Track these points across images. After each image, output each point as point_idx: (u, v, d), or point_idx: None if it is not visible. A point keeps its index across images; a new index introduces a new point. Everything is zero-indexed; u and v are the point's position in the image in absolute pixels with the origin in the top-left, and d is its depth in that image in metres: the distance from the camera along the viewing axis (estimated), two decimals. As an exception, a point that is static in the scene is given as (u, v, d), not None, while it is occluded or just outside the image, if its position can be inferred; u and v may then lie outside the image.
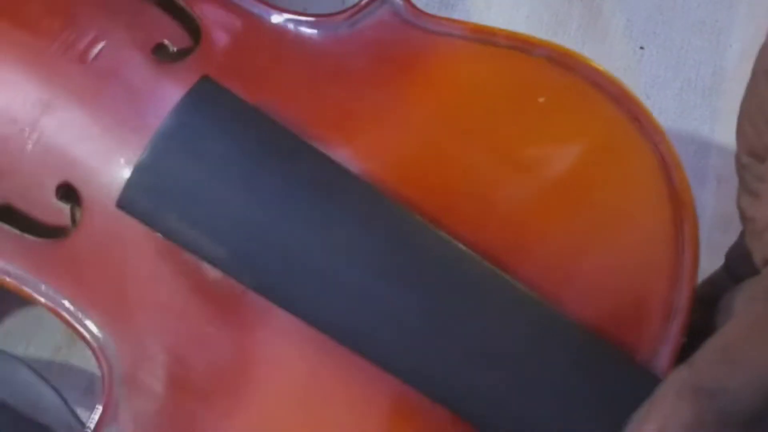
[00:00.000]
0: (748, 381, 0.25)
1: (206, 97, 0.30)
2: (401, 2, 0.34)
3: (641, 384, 0.28)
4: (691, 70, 0.45)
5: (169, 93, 0.32)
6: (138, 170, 0.29)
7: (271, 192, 0.29)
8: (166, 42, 0.34)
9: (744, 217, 0.29)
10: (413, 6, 0.34)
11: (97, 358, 0.31)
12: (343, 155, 0.31)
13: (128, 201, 0.30)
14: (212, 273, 0.30)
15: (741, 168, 0.29)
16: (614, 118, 0.31)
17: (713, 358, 0.26)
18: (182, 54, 0.34)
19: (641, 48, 0.45)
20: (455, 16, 0.46)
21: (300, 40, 0.34)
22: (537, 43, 0.32)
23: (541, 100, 0.31)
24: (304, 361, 0.30)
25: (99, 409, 0.31)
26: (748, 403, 0.25)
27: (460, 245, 0.30)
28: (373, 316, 0.29)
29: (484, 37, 0.33)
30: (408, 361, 0.29)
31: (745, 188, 0.29)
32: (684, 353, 0.29)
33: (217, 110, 0.30)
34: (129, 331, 0.31)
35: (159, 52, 0.34)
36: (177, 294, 0.31)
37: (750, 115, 0.28)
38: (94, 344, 0.31)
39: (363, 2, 0.34)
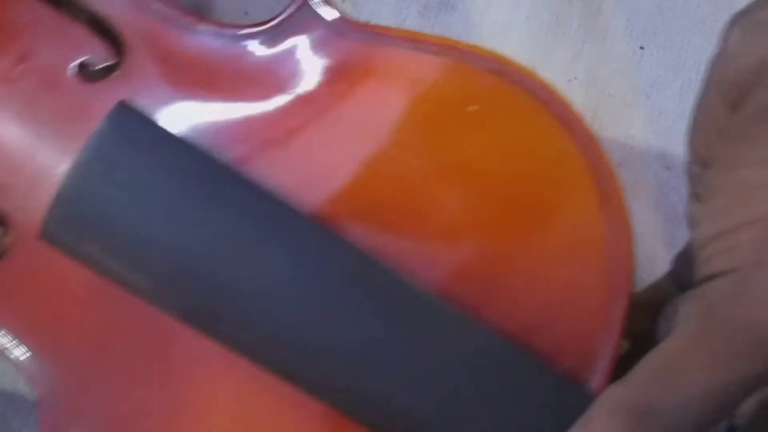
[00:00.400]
0: (679, 403, 0.25)
1: (123, 123, 0.29)
2: (328, 17, 0.33)
3: (575, 402, 0.27)
4: (691, 70, 0.45)
5: (95, 113, 0.30)
6: (57, 203, 0.28)
7: (193, 219, 0.28)
8: (89, 60, 0.33)
9: (692, 228, 0.28)
10: (343, 17, 0.33)
11: (30, 384, 0.30)
12: (270, 178, 0.30)
13: (49, 233, 0.29)
14: (141, 302, 0.29)
15: (692, 178, 0.29)
16: (545, 126, 0.31)
17: (647, 378, 0.26)
18: (107, 71, 0.33)
19: (641, 48, 0.45)
20: (455, 16, 0.46)
21: (228, 54, 0.33)
22: (469, 50, 0.32)
23: (471, 108, 0.31)
24: (236, 388, 0.30)
25: None
26: (679, 425, 0.25)
27: (389, 269, 0.29)
28: (298, 344, 0.28)
29: (417, 45, 0.32)
30: (340, 388, 0.28)
31: (696, 198, 0.28)
32: (628, 359, 0.29)
33: (134, 137, 0.29)
34: (61, 358, 0.30)
35: (84, 71, 0.33)
36: (107, 323, 0.30)
37: (700, 126, 0.28)
38: (27, 370, 0.30)
39: (287, 14, 0.33)
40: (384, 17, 0.46)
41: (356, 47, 0.32)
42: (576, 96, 0.45)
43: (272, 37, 0.33)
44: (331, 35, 0.32)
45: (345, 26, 0.32)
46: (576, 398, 0.28)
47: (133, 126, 0.29)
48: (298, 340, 0.28)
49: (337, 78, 0.32)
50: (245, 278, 0.28)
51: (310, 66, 0.32)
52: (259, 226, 0.29)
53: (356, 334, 0.28)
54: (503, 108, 0.31)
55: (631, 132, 0.45)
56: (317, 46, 0.32)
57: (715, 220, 0.25)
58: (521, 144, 0.31)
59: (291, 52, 0.32)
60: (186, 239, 0.28)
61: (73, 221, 0.28)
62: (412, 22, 0.46)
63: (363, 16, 0.46)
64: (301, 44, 0.32)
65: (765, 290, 0.24)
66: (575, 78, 0.45)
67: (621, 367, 0.28)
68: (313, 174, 0.31)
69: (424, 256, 0.29)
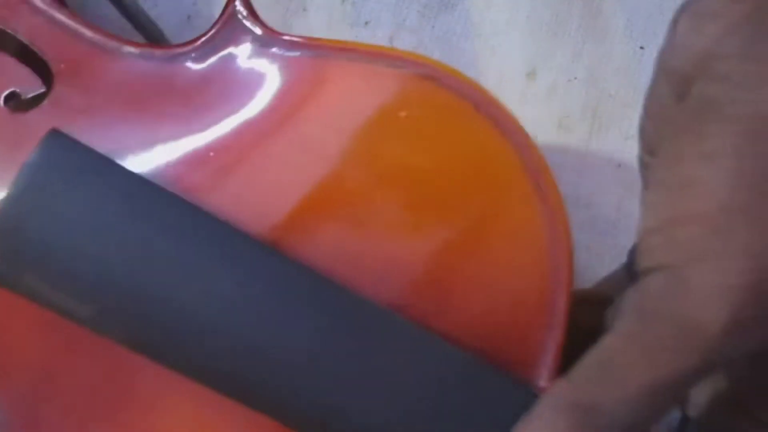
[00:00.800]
0: (620, 399, 0.25)
1: (55, 151, 0.28)
2: (258, 32, 0.32)
3: (521, 400, 0.27)
4: (691, 70, 0.45)
5: (26, 143, 0.29)
6: None
7: (131, 246, 0.28)
8: (17, 90, 0.32)
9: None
10: (272, 30, 0.32)
11: None
12: (210, 200, 0.30)
13: None
14: (87, 331, 0.29)
15: (643, 167, 0.28)
16: (476, 127, 0.31)
17: (588, 374, 0.26)
18: (36, 100, 0.32)
19: (641, 48, 0.45)
20: (455, 16, 0.46)
21: (160, 74, 0.32)
22: (397, 56, 0.32)
23: (403, 114, 0.31)
24: (189, 411, 0.29)
25: None
26: (622, 420, 0.25)
27: (334, 284, 0.29)
28: (248, 364, 0.28)
29: (349, 55, 0.32)
30: (288, 404, 0.28)
31: (645, 187, 0.28)
32: (580, 353, 0.29)
33: (67, 164, 0.28)
34: (7, 388, 0.30)
35: (12, 101, 0.32)
36: (53, 353, 0.30)
37: (650, 113, 0.27)
38: None
39: (216, 29, 0.32)
40: (384, 17, 0.46)
41: (288, 60, 0.32)
42: (576, 96, 0.45)
43: (203, 54, 0.32)
44: (262, 49, 0.32)
45: (275, 39, 0.32)
46: (522, 396, 0.28)
47: (65, 153, 0.29)
48: (248, 360, 0.28)
49: (271, 93, 0.32)
50: (189, 300, 0.28)
51: (242, 82, 0.32)
52: (201, 248, 0.28)
53: (303, 349, 0.28)
54: (435, 111, 0.31)
55: (631, 132, 0.45)
56: (248, 61, 0.32)
57: (655, 212, 0.25)
58: (455, 146, 0.31)
59: (223, 68, 0.32)
60: (126, 265, 0.28)
61: (9, 254, 0.28)
62: (412, 22, 0.46)
63: (363, 16, 0.46)
64: (232, 60, 0.32)
65: (698, 287, 0.23)
66: (575, 78, 0.45)
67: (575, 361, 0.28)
68: (254, 193, 0.31)
69: (369, 268, 0.30)
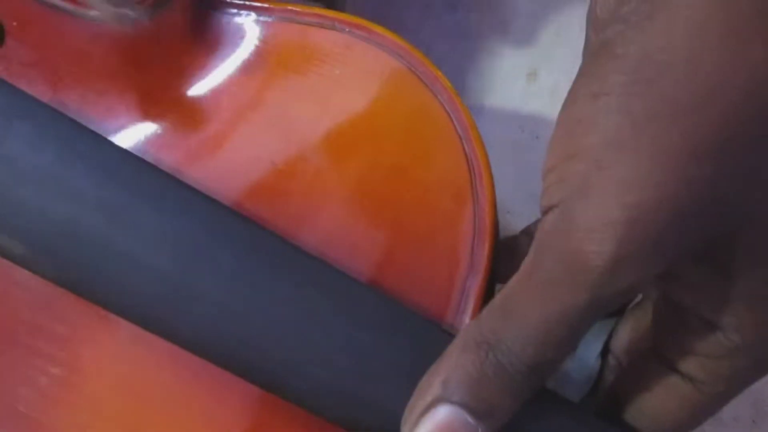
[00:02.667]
0: (520, 335, 0.26)
1: None
2: None
3: (441, 342, 0.28)
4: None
5: None
6: None
7: (63, 189, 0.29)
8: None
9: None
10: None
11: None
12: (147, 147, 0.32)
13: None
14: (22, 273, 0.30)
15: None
16: (408, 84, 0.32)
17: (492, 312, 0.27)
18: None
19: (643, 48, 0.45)
20: (457, 15, 0.46)
21: (107, 31, 0.34)
22: (336, 17, 0.33)
23: (336, 71, 0.33)
24: (119, 348, 0.31)
25: None
26: (522, 355, 0.26)
27: (251, 222, 0.30)
28: (173, 299, 0.29)
29: (289, 15, 0.33)
30: (213, 341, 0.29)
31: None
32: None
33: (7, 104, 0.30)
34: None
35: None
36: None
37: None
38: None
39: None
40: (385, 16, 0.46)
41: (233, 20, 0.34)
42: (578, 96, 0.45)
43: (152, 11, 0.33)
44: (211, 11, 0.34)
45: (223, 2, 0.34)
46: (444, 341, 0.29)
47: (5, 94, 0.30)
48: (171, 295, 0.29)
49: (217, 50, 0.33)
50: (118, 238, 0.29)
51: (184, 39, 0.34)
52: (131, 188, 0.30)
53: (225, 285, 0.29)
54: (369, 69, 0.33)
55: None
56: (199, 21, 0.34)
57: (552, 152, 0.26)
58: (390, 102, 0.33)
59: (163, 25, 0.33)
60: (59, 201, 0.29)
61: None
62: (413, 21, 0.46)
63: (365, 16, 0.46)
64: (169, 17, 0.33)
65: (584, 221, 0.24)
66: (577, 78, 0.45)
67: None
68: (197, 143, 0.33)
69: (300, 213, 0.31)
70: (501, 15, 0.46)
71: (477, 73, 0.45)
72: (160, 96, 0.33)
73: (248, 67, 0.33)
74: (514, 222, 0.42)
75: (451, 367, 0.27)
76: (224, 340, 0.29)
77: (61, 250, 0.29)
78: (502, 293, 0.27)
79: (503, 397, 0.27)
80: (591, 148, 0.24)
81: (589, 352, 0.33)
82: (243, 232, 0.30)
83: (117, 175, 0.29)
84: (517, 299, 0.26)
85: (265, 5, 0.33)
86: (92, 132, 0.30)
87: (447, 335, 0.30)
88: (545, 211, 0.26)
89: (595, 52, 0.25)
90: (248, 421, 0.31)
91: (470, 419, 0.27)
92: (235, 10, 0.34)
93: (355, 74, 0.33)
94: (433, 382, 0.27)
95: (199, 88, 0.33)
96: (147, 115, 0.33)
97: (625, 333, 0.33)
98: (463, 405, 0.27)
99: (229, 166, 0.32)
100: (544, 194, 0.26)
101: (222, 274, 0.29)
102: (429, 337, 0.30)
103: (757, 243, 0.25)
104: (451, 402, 0.27)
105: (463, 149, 0.31)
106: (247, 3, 0.34)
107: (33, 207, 0.29)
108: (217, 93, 0.33)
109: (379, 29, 0.33)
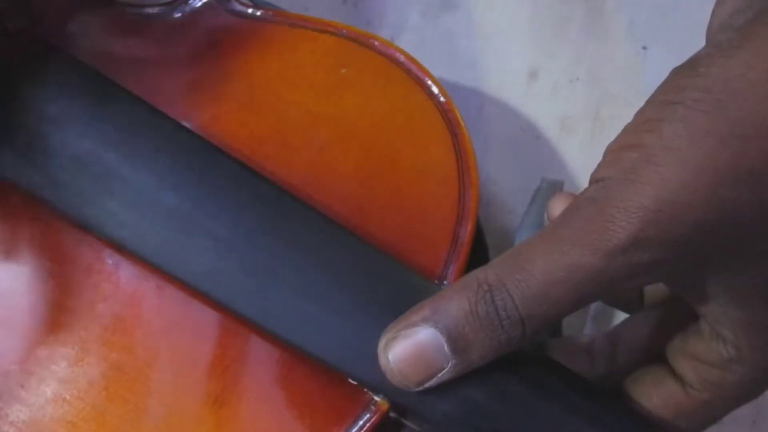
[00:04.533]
0: (522, 282, 0.27)
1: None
2: None
3: (429, 294, 0.30)
4: (694, 71, 0.45)
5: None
6: None
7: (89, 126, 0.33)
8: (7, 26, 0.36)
9: None
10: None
11: None
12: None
13: None
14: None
15: None
16: (404, 84, 0.37)
17: (503, 259, 0.29)
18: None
19: (644, 48, 0.45)
20: (457, 15, 0.46)
21: (136, 18, 0.39)
22: (339, 26, 0.38)
23: (343, 71, 0.37)
24: (125, 289, 0.33)
25: None
26: (518, 303, 0.28)
27: (261, 176, 0.34)
28: (177, 234, 0.32)
29: (298, 22, 0.38)
30: (212, 281, 0.32)
31: None
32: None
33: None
34: None
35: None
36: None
37: None
38: None
39: None
40: (385, 17, 0.46)
41: (248, 23, 0.39)
42: (578, 96, 0.45)
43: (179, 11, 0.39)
44: (221, 10, 0.39)
45: (236, 3, 0.39)
46: (431, 290, 0.30)
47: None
48: (175, 229, 0.32)
49: (232, 46, 0.38)
50: (128, 173, 0.33)
51: (204, 35, 0.39)
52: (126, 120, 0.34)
53: (238, 227, 0.32)
54: (366, 68, 0.37)
55: (633, 132, 0.44)
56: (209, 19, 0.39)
57: (617, 140, 0.28)
58: (384, 96, 0.37)
59: (188, 22, 0.39)
60: (59, 131, 0.33)
61: None
62: (413, 22, 0.46)
63: (364, 16, 0.46)
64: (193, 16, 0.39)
65: (621, 200, 0.26)
66: (578, 78, 0.45)
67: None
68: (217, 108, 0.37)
69: (303, 181, 0.35)
70: (501, 15, 0.46)
71: (477, 73, 0.45)
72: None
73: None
74: (515, 222, 0.42)
75: (446, 298, 0.29)
76: (224, 276, 0.31)
77: (78, 183, 0.32)
78: (518, 245, 0.29)
79: (485, 339, 0.28)
80: (648, 144, 0.27)
81: None
82: (249, 180, 0.33)
83: (136, 124, 0.33)
84: (531, 250, 0.28)
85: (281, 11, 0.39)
86: (119, 87, 0.35)
87: (436, 287, 0.32)
88: (591, 182, 0.28)
89: (683, 67, 0.28)
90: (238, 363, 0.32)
91: (446, 349, 0.28)
92: (251, 10, 0.39)
93: (359, 74, 0.37)
94: (424, 306, 0.29)
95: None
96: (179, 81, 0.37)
97: (630, 330, 0.34)
98: (445, 333, 0.28)
99: (250, 134, 0.36)
100: (597, 169, 0.28)
101: (225, 215, 0.32)
102: (421, 289, 0.31)
103: (762, 273, 0.27)
104: (435, 326, 0.28)
105: (452, 141, 0.35)
106: (271, 11, 0.39)
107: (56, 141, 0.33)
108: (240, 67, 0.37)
109: (378, 38, 0.38)
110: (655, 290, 0.34)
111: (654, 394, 0.31)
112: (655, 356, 0.32)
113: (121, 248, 0.33)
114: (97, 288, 0.33)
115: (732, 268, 0.27)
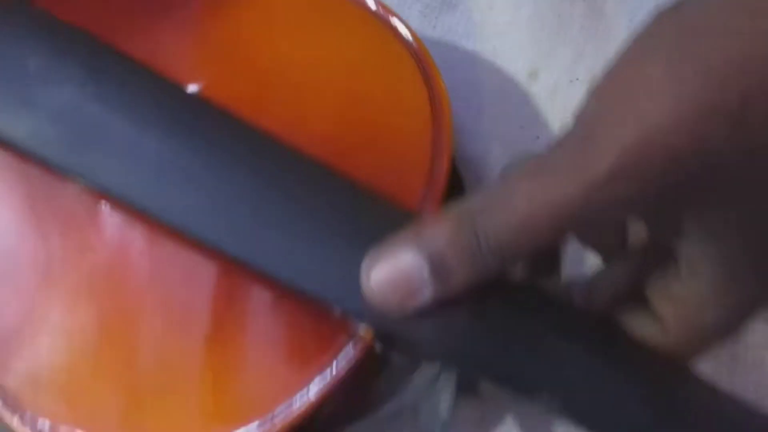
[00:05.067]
0: (503, 213, 0.28)
1: None
2: None
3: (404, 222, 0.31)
4: (693, 71, 0.45)
5: None
6: None
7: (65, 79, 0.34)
8: None
9: None
10: None
11: None
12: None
13: None
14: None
15: None
16: (376, 27, 0.38)
17: (487, 191, 0.29)
18: None
19: (644, 49, 0.45)
20: (457, 15, 0.46)
21: None
22: None
23: (315, 15, 0.38)
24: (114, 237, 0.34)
25: None
26: (499, 233, 0.28)
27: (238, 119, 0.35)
28: (160, 176, 0.33)
29: None
30: (186, 214, 0.33)
31: None
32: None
33: None
34: None
35: None
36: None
37: None
38: None
39: None
40: (385, 17, 0.46)
41: None
42: (578, 97, 0.45)
43: None
44: None
45: None
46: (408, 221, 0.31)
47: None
48: (156, 171, 0.33)
49: None
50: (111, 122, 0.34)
51: None
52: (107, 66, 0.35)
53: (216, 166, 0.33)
54: (339, 13, 0.38)
55: (633, 133, 0.44)
56: None
57: (603, 77, 0.29)
58: (356, 39, 0.38)
59: None
60: (40, 86, 0.34)
61: None
62: (414, 22, 0.46)
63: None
64: None
65: (602, 134, 0.27)
66: (577, 79, 0.45)
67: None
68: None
69: (284, 117, 0.36)
70: (501, 15, 0.46)
71: (477, 73, 0.45)
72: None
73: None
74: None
75: (429, 225, 0.29)
76: (207, 214, 0.32)
77: (62, 134, 0.33)
78: (501, 177, 0.30)
79: (465, 267, 0.29)
80: (630, 80, 0.27)
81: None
82: (229, 123, 0.34)
83: (116, 75, 0.34)
84: (513, 182, 0.28)
85: None
86: (96, 41, 0.35)
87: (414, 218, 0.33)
88: (575, 120, 0.29)
89: (667, 8, 0.28)
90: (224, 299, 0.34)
91: (426, 274, 0.29)
92: None
93: (332, 19, 0.38)
94: (407, 232, 0.30)
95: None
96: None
97: (609, 275, 0.35)
98: (427, 258, 0.29)
99: (225, 80, 0.37)
100: (580, 107, 0.29)
101: (205, 156, 0.33)
102: (398, 220, 0.32)
103: (738, 210, 0.28)
104: (417, 250, 0.29)
105: (423, 79, 0.37)
106: None
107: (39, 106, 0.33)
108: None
109: None
110: (634, 240, 0.35)
111: (632, 335, 0.32)
112: (632, 299, 0.33)
113: (105, 194, 0.34)
114: (84, 238, 0.34)
115: (708, 204, 0.28)
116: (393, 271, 0.29)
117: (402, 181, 0.35)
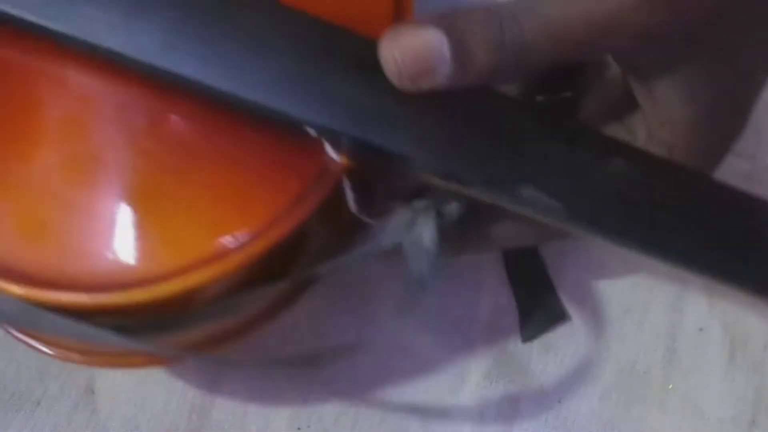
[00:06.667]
0: (533, 18, 0.29)
1: None
2: None
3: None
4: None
5: None
6: None
7: None
8: None
9: None
10: None
11: None
12: None
13: None
14: None
15: None
16: None
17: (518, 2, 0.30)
18: None
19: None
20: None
21: None
22: None
23: None
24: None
25: None
26: (525, 31, 0.29)
27: None
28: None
29: None
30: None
31: None
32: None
33: None
34: None
35: None
36: None
37: None
38: None
39: None
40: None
41: None
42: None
43: None
44: None
45: None
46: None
47: None
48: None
49: None
50: None
51: None
52: None
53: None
54: None
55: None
56: None
57: None
58: None
59: None
60: None
61: None
62: (414, 20, 0.46)
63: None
64: None
65: None
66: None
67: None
68: None
69: None
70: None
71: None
72: None
73: None
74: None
75: (459, 14, 0.29)
76: (176, 48, 0.31)
77: None
78: None
79: (485, 56, 0.29)
80: None
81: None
82: None
83: None
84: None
85: None
86: None
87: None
88: None
89: None
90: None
91: (447, 52, 0.29)
92: None
93: None
94: (436, 16, 0.30)
95: None
96: None
97: (591, 103, 0.37)
98: (451, 39, 0.29)
99: None
100: None
101: None
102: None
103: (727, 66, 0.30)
104: (443, 31, 0.29)
105: None
106: None
107: None
108: None
109: None
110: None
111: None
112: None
113: (67, 42, 0.33)
114: (47, 88, 0.34)
115: (707, 54, 0.30)
116: (417, 41, 0.29)
117: (368, 16, 0.35)
